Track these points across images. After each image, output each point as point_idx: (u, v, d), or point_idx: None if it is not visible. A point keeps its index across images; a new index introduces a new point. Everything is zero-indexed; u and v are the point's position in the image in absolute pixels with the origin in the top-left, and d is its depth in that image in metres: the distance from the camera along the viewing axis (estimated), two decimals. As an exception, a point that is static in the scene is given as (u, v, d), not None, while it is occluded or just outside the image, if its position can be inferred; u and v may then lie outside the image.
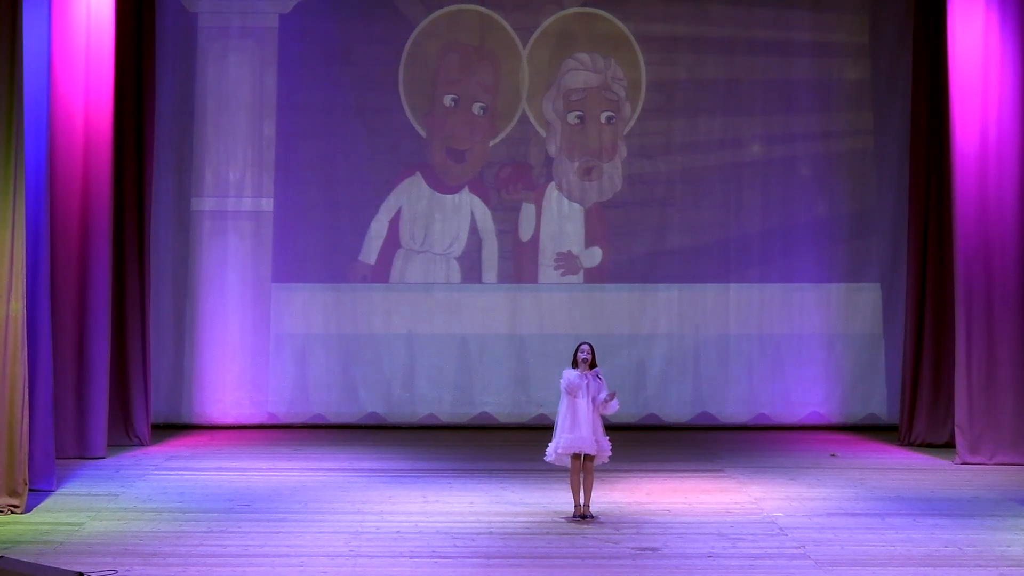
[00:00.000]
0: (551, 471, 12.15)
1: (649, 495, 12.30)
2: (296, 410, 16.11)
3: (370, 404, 16.17)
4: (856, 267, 16.24)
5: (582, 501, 11.28)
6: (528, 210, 16.30)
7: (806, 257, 16.24)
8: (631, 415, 15.56)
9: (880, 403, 16.16)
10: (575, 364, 11.24)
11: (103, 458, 13.82)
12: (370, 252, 16.24)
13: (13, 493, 11.35)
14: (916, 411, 15.08)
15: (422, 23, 16.22)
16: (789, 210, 16.27)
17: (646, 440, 15.21)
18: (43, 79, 12.18)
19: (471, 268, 16.27)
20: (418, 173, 16.26)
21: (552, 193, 16.30)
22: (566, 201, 16.30)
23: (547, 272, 16.29)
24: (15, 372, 11.41)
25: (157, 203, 15.55)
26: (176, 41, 15.93)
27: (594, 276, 16.29)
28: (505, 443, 15.08)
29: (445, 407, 16.22)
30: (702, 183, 16.29)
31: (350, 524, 11.08)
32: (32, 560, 9.58)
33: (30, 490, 11.60)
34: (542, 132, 16.24)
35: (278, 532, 10.80)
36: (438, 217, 16.27)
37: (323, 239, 16.19)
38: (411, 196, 16.26)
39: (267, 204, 16.15)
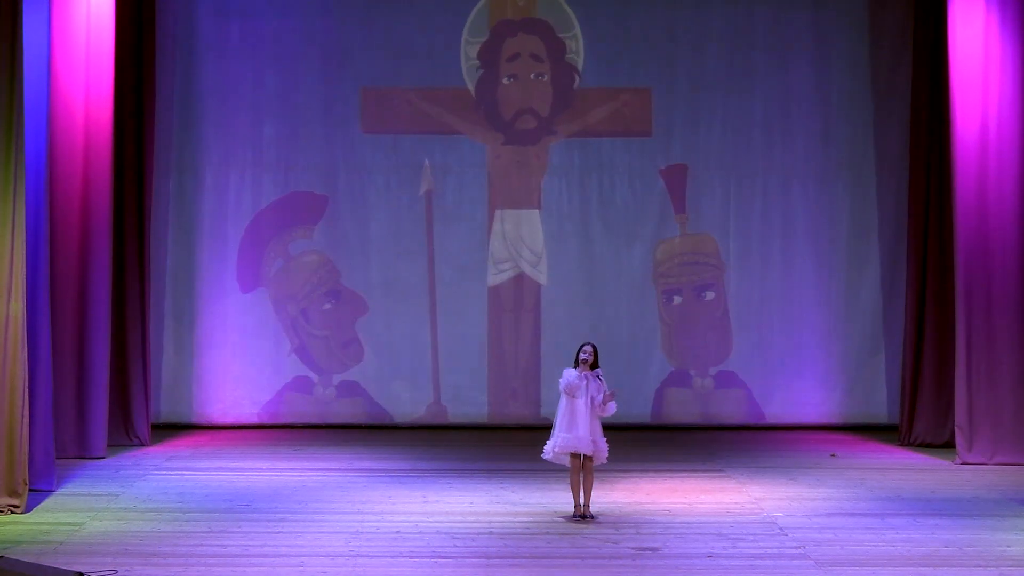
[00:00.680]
0: (551, 471, 12.15)
1: (649, 495, 12.30)
2: (296, 410, 16.11)
3: (370, 404, 16.17)
4: (856, 267, 16.24)
5: (582, 501, 11.28)
6: (531, 215, 16.28)
7: (806, 257, 16.24)
8: (631, 415, 15.55)
9: (880, 403, 16.16)
10: (577, 364, 11.24)
11: (103, 458, 13.82)
12: (370, 251, 16.25)
13: (13, 493, 11.35)
14: (916, 411, 15.09)
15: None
16: (789, 210, 16.26)
17: (646, 440, 15.21)
18: (43, 79, 12.18)
19: (472, 268, 16.26)
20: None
21: (553, 196, 16.30)
22: (566, 204, 16.29)
23: (548, 271, 16.28)
24: (15, 372, 11.41)
25: (157, 203, 15.55)
26: (176, 41, 15.93)
27: (594, 276, 16.28)
28: (505, 443, 15.08)
29: (445, 407, 16.21)
30: (701, 183, 16.28)
31: (350, 524, 11.08)
32: (32, 560, 9.59)
33: (30, 490, 11.60)
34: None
35: (278, 532, 10.81)
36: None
37: (323, 238, 16.18)
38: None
39: (267, 204, 16.14)
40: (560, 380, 11.25)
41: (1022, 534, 10.84)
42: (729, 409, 16.25)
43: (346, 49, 16.17)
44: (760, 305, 16.28)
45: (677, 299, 16.30)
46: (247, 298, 16.09)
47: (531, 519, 11.33)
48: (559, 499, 11.81)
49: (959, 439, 14.01)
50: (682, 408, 16.26)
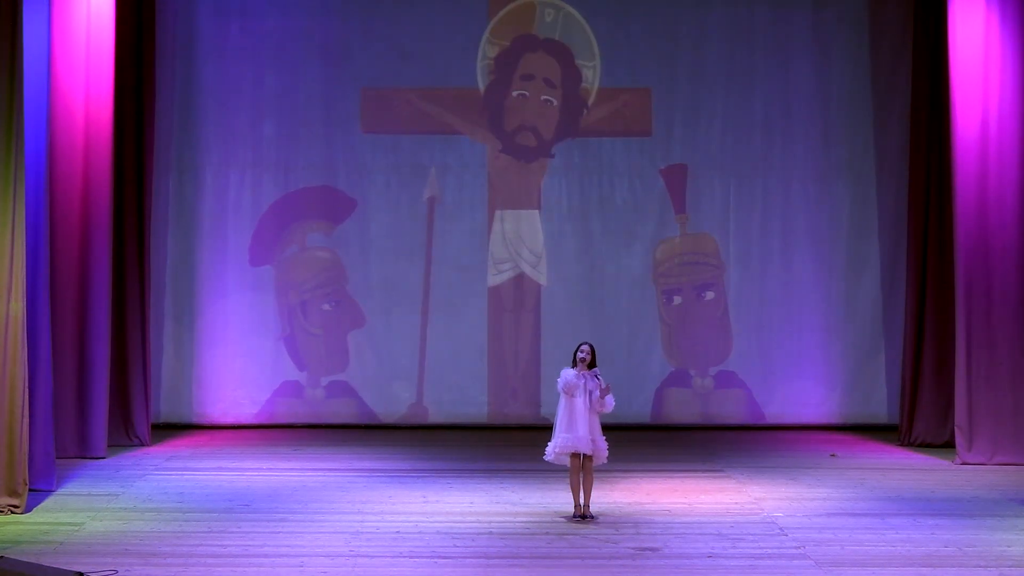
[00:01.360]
0: (551, 471, 12.15)
1: (649, 495, 12.30)
2: (296, 410, 16.12)
3: (371, 404, 16.17)
4: (856, 267, 16.24)
5: (582, 501, 11.28)
6: (531, 215, 16.29)
7: (806, 257, 16.24)
8: (631, 415, 15.55)
9: (880, 403, 16.16)
10: (574, 363, 11.24)
11: (103, 458, 13.82)
12: (370, 251, 16.26)
13: (13, 493, 11.35)
14: (916, 411, 15.09)
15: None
16: (789, 210, 16.27)
17: (646, 440, 15.21)
18: (43, 79, 12.18)
19: (472, 268, 16.26)
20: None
21: (553, 196, 16.30)
22: (566, 204, 16.29)
23: (548, 271, 16.28)
24: (15, 372, 11.41)
25: (157, 203, 15.55)
26: (176, 41, 15.93)
27: (594, 276, 16.28)
28: (505, 443, 15.08)
29: (445, 407, 16.22)
30: (701, 183, 16.28)
31: (350, 524, 11.08)
32: (32, 560, 9.59)
33: (30, 490, 11.60)
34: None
35: (278, 532, 10.80)
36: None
37: (323, 238, 16.18)
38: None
39: (267, 204, 16.14)
40: (558, 380, 11.26)
41: (1022, 534, 10.84)
42: (729, 409, 16.25)
43: (346, 49, 16.17)
44: (760, 305, 16.28)
45: (677, 299, 16.30)
46: (247, 298, 16.08)
47: (531, 519, 11.33)
48: (559, 499, 11.81)
49: (959, 439, 14.01)
50: (682, 408, 16.26)
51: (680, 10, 16.26)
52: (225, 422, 16.00)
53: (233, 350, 16.07)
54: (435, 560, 9.99)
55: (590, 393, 11.15)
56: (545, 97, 16.19)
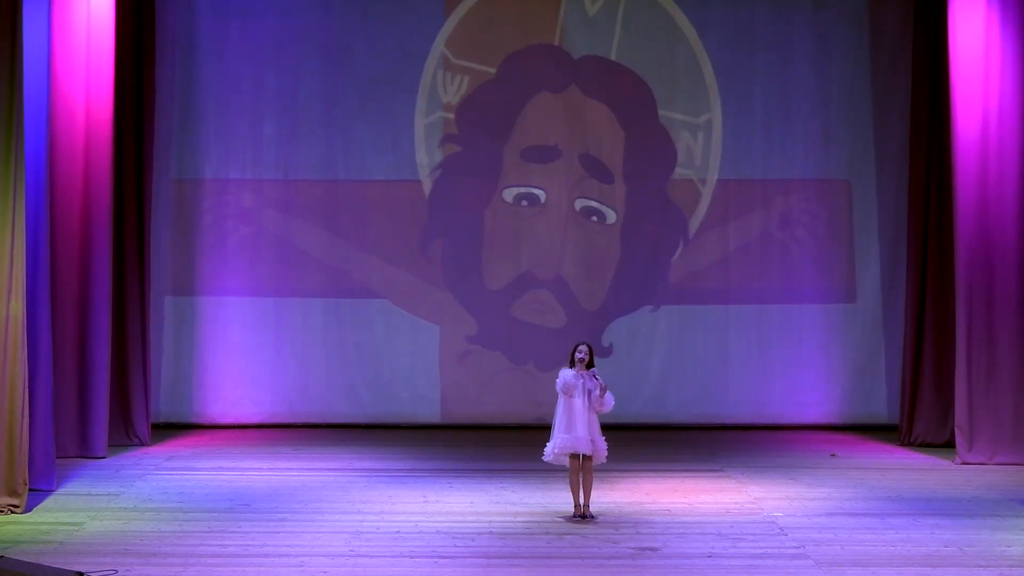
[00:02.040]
0: (551, 471, 12.16)
1: (649, 495, 12.30)
2: (296, 410, 16.11)
3: (370, 404, 16.17)
4: (856, 267, 16.23)
5: (582, 501, 11.29)
6: (533, 213, 16.29)
7: (806, 256, 16.24)
8: (631, 415, 15.55)
9: (880, 403, 16.15)
10: (572, 364, 11.24)
11: (103, 458, 13.82)
12: (370, 251, 16.26)
13: (13, 493, 11.35)
14: (916, 411, 15.09)
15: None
16: (789, 210, 16.26)
17: (646, 440, 15.21)
18: (43, 79, 12.18)
19: (472, 268, 16.26)
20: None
21: (553, 202, 16.29)
22: (565, 207, 16.29)
23: (549, 270, 16.28)
24: (15, 372, 11.41)
25: (157, 203, 15.55)
26: (176, 41, 15.93)
27: (595, 275, 16.28)
28: (505, 443, 15.07)
29: (445, 407, 16.22)
30: (701, 183, 16.28)
31: (350, 524, 11.09)
32: (32, 560, 9.59)
33: (30, 490, 11.60)
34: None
35: (278, 532, 10.81)
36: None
37: (323, 238, 16.18)
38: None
39: (267, 204, 16.14)
40: (557, 381, 11.26)
41: (1022, 534, 10.85)
42: (729, 409, 16.24)
43: (346, 49, 16.17)
44: (760, 305, 16.27)
45: (677, 298, 16.28)
46: (247, 298, 16.08)
47: (531, 519, 11.33)
48: (559, 499, 11.81)
49: (959, 439, 14.01)
50: (682, 408, 16.25)
51: (679, 10, 16.24)
52: (225, 422, 15.99)
53: (233, 350, 16.07)
54: (435, 560, 9.99)
55: (589, 393, 11.15)
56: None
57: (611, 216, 16.27)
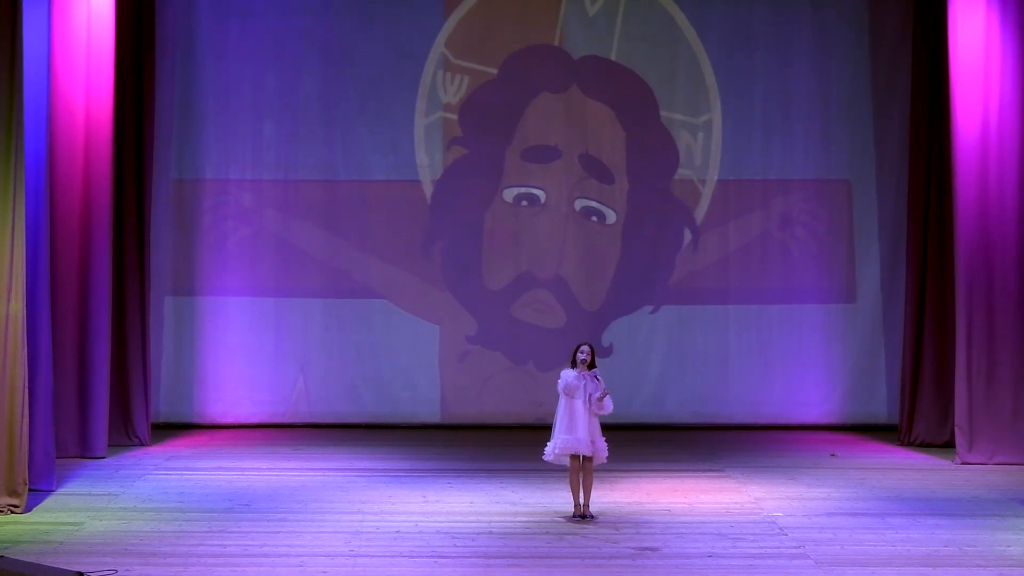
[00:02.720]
0: (551, 471, 12.15)
1: (649, 495, 12.30)
2: (296, 410, 16.11)
3: (370, 404, 16.17)
4: (856, 267, 16.24)
5: (582, 501, 11.29)
6: (533, 213, 16.29)
7: (806, 256, 16.24)
8: (631, 415, 15.55)
9: (880, 403, 16.15)
10: (574, 364, 11.24)
11: (103, 458, 13.82)
12: (370, 251, 16.26)
13: (13, 493, 11.35)
14: (916, 411, 15.09)
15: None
16: (789, 210, 16.27)
17: (646, 440, 15.21)
18: (43, 79, 12.18)
19: (472, 268, 16.26)
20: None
21: (554, 202, 16.30)
22: (565, 207, 16.29)
23: (549, 269, 16.29)
24: (15, 372, 11.41)
25: (157, 203, 15.55)
26: (176, 41, 15.93)
27: (595, 275, 16.28)
28: (505, 443, 15.07)
29: (445, 407, 16.22)
30: (701, 184, 16.28)
31: (350, 524, 11.08)
32: (32, 560, 9.58)
33: (30, 490, 11.60)
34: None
35: (278, 532, 10.81)
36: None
37: (323, 238, 16.18)
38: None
39: (267, 204, 16.14)
40: (558, 381, 11.26)
41: (1022, 534, 10.84)
42: (729, 409, 16.24)
43: (346, 49, 16.17)
44: (760, 305, 16.27)
45: (677, 298, 16.28)
46: (247, 298, 16.08)
47: (531, 519, 11.33)
48: (559, 499, 11.81)
49: (959, 439, 14.01)
50: (682, 408, 16.25)
51: (679, 10, 16.24)
52: (225, 422, 15.99)
53: (233, 350, 16.07)
54: (435, 560, 9.99)
55: (590, 395, 11.15)
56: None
57: (611, 216, 16.27)
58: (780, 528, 11.01)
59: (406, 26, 16.19)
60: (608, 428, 11.51)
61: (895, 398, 15.80)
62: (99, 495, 12.15)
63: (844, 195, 16.27)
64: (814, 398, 16.19)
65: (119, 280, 14.73)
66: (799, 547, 10.39)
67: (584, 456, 11.21)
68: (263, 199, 16.15)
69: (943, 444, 14.81)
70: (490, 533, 10.82)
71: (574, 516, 11.28)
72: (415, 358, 16.22)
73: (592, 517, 11.27)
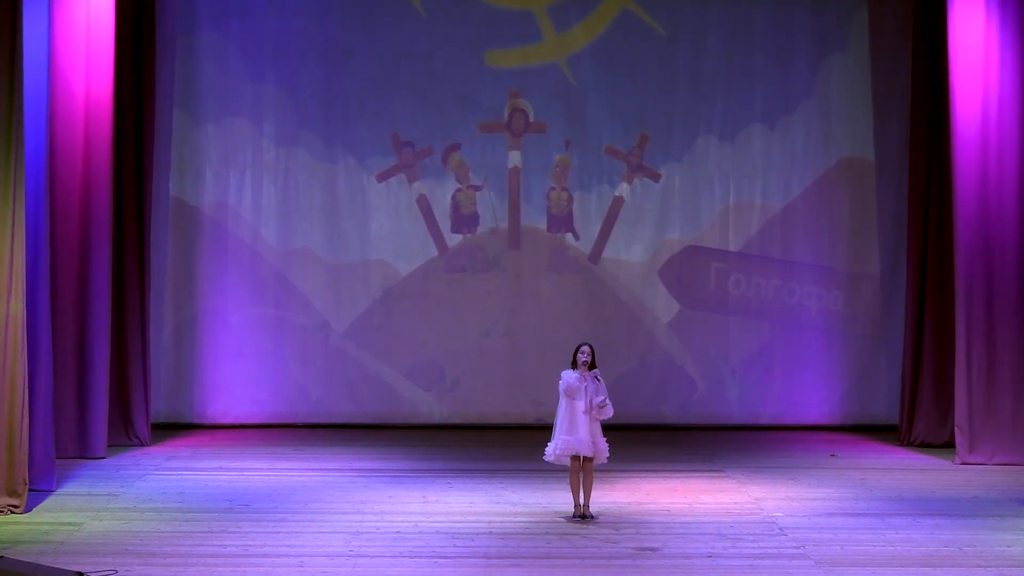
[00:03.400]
0: (551, 471, 12.15)
1: (649, 495, 12.30)
2: (296, 410, 16.11)
3: (370, 404, 16.17)
4: (856, 267, 16.24)
5: (582, 501, 11.29)
6: (534, 213, 16.30)
7: (806, 256, 16.24)
8: (631, 415, 15.54)
9: (880, 403, 16.15)
10: (574, 365, 11.24)
11: (103, 458, 13.82)
12: (370, 251, 16.26)
13: (13, 493, 11.35)
14: (916, 411, 15.09)
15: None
16: (789, 210, 16.27)
17: (646, 440, 15.21)
18: (43, 80, 12.18)
19: (472, 267, 16.27)
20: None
21: (555, 195, 16.30)
22: (567, 202, 16.30)
23: (547, 271, 16.29)
24: (15, 372, 11.41)
25: (157, 203, 15.54)
26: (176, 40, 15.92)
27: (595, 275, 16.28)
28: (505, 443, 15.07)
29: (445, 407, 16.22)
30: (701, 183, 16.28)
31: (350, 524, 11.08)
32: (32, 560, 9.59)
33: (30, 490, 11.60)
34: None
35: (278, 532, 10.80)
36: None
37: (323, 238, 16.19)
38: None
39: (267, 204, 16.15)
40: (559, 383, 11.25)
41: (1022, 534, 10.84)
42: (729, 409, 16.25)
43: (346, 49, 16.17)
44: (760, 305, 16.27)
45: (677, 299, 16.29)
46: (247, 298, 16.08)
47: (531, 519, 11.33)
48: (559, 499, 11.81)
49: (959, 439, 14.01)
50: (682, 408, 16.26)
51: (680, 9, 16.25)
52: (225, 422, 16.00)
53: (233, 350, 16.07)
54: (435, 560, 9.99)
55: (590, 399, 11.14)
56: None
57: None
58: (780, 528, 11.01)
59: (407, 25, 16.18)
60: (609, 428, 11.51)
61: (895, 398, 15.80)
62: (99, 495, 12.15)
63: (843, 196, 16.26)
64: (814, 398, 16.19)
65: (119, 280, 14.72)
66: (799, 547, 10.39)
67: (584, 456, 11.21)
68: (263, 198, 16.14)
69: (943, 444, 14.81)
70: (490, 533, 10.82)
71: (574, 516, 11.28)
72: (416, 358, 16.21)
73: (592, 517, 11.27)
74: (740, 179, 16.30)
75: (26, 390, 11.47)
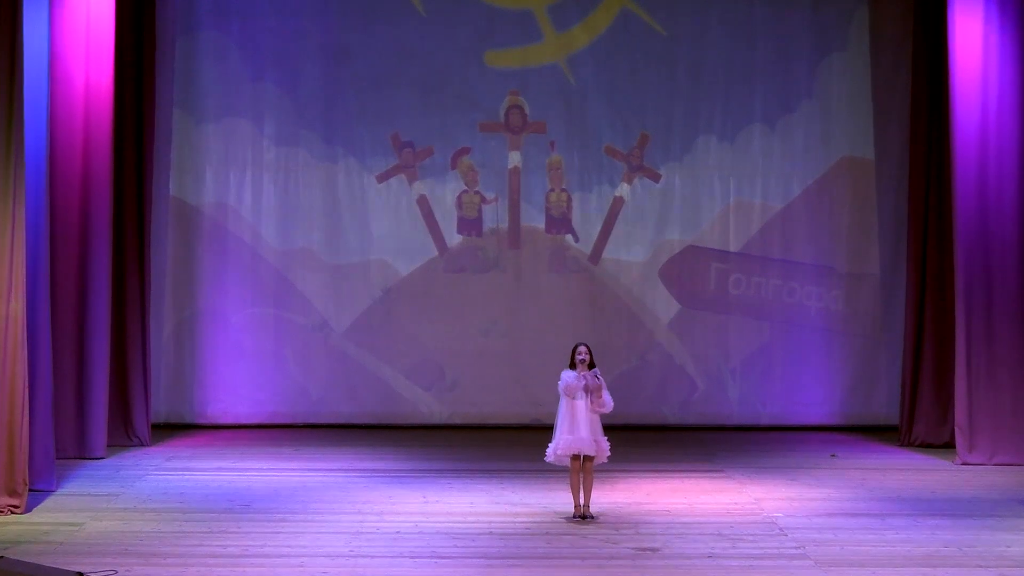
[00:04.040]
0: (551, 471, 12.16)
1: (649, 495, 12.30)
2: (296, 410, 16.11)
3: (370, 404, 16.17)
4: (856, 267, 16.24)
5: (582, 501, 11.29)
6: (533, 214, 16.30)
7: (806, 257, 16.25)
8: (631, 415, 15.54)
9: (880, 403, 16.16)
10: (572, 365, 11.24)
11: (103, 458, 13.82)
12: (370, 251, 16.26)
13: (13, 493, 11.35)
14: (916, 411, 15.09)
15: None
16: (789, 210, 16.27)
17: (646, 440, 15.21)
18: (43, 80, 12.17)
19: (472, 267, 16.27)
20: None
21: (554, 195, 16.30)
22: (567, 203, 16.30)
23: (547, 271, 16.29)
24: (15, 372, 11.40)
25: (157, 203, 15.54)
26: (176, 40, 15.92)
27: (595, 275, 16.29)
28: (505, 443, 15.07)
29: (445, 407, 16.22)
30: (701, 183, 16.28)
31: (350, 524, 11.09)
32: (32, 560, 9.58)
33: (30, 490, 11.60)
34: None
35: (278, 532, 10.80)
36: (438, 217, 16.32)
37: (323, 238, 16.19)
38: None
39: (267, 204, 16.15)
40: (559, 383, 11.25)
41: (1022, 534, 10.85)
42: (729, 409, 16.25)
43: (346, 49, 16.17)
44: (760, 305, 16.28)
45: (677, 299, 16.29)
46: (247, 298, 16.09)
47: (531, 519, 11.33)
48: (559, 499, 11.81)
49: (959, 439, 14.01)
50: (682, 408, 16.26)
51: (680, 9, 16.25)
52: (225, 422, 16.00)
53: (233, 350, 16.07)
54: (435, 560, 9.99)
55: (587, 385, 11.14)
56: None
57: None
58: (780, 528, 11.01)
59: (407, 25, 16.18)
60: (608, 428, 11.51)
61: (895, 398, 15.80)
62: (99, 495, 12.15)
63: (843, 196, 16.27)
64: (814, 398, 16.19)
65: (119, 280, 14.72)
66: (799, 547, 10.39)
67: (585, 456, 11.21)
68: (263, 198, 16.15)
69: (943, 444, 14.81)
70: (490, 533, 10.82)
71: (574, 516, 11.28)
72: (415, 358, 16.22)
73: (592, 517, 11.27)
74: (740, 179, 16.31)
75: (26, 390, 11.47)
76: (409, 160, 16.24)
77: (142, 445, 14.71)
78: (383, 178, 16.22)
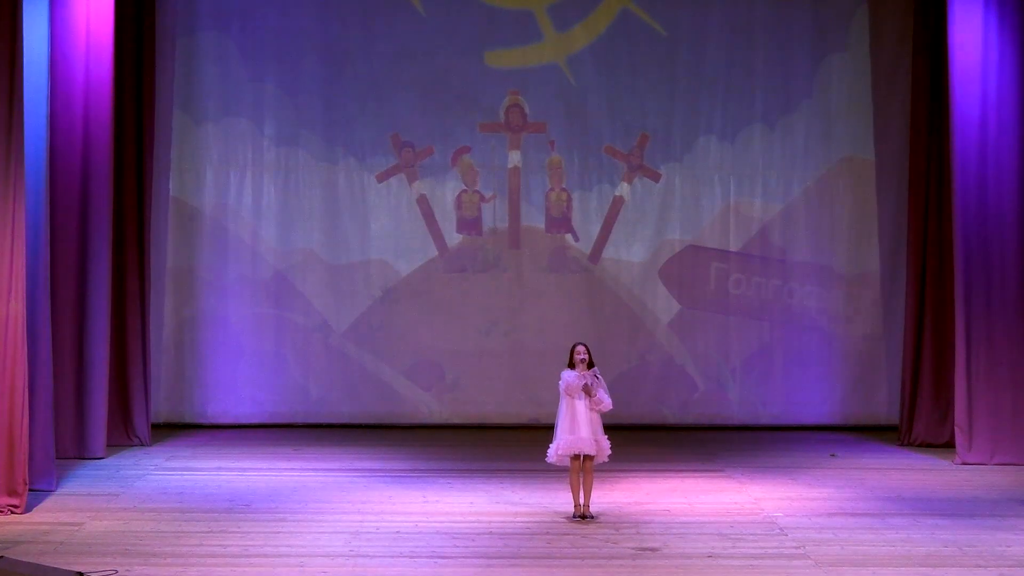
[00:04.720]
0: (551, 471, 12.16)
1: (649, 495, 12.30)
2: (296, 410, 16.11)
3: (370, 404, 16.17)
4: (856, 267, 16.24)
5: (582, 501, 11.29)
6: (534, 214, 16.30)
7: (806, 256, 16.25)
8: (631, 415, 15.55)
9: (880, 403, 16.16)
10: (572, 365, 11.24)
11: (103, 458, 13.82)
12: (370, 251, 16.26)
13: (13, 493, 11.35)
14: (916, 411, 15.09)
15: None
16: (789, 210, 16.27)
17: (646, 440, 15.21)
18: (43, 80, 12.18)
19: (473, 267, 16.27)
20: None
21: (554, 195, 16.31)
22: (567, 203, 16.30)
23: (547, 271, 16.29)
24: (15, 372, 11.40)
25: (157, 203, 15.54)
26: (176, 40, 15.92)
27: (594, 275, 16.29)
28: (505, 443, 15.07)
29: (445, 407, 16.22)
30: (701, 183, 16.28)
31: (350, 524, 11.09)
32: (32, 560, 9.58)
33: (30, 490, 11.60)
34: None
35: (278, 532, 10.81)
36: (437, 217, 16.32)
37: (323, 238, 16.19)
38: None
39: (267, 204, 16.15)
40: (559, 383, 11.25)
41: (1022, 534, 10.85)
42: (729, 409, 16.25)
43: (346, 49, 16.17)
44: (760, 305, 16.28)
45: (677, 299, 16.29)
46: (247, 298, 16.09)
47: (531, 519, 11.33)
48: (559, 499, 11.81)
49: (959, 439, 14.01)
50: (682, 408, 16.26)
51: (680, 8, 16.25)
52: (225, 422, 15.99)
53: (233, 350, 16.07)
54: (435, 560, 9.99)
55: (586, 383, 11.13)
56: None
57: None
58: (780, 528, 11.01)
59: (407, 25, 16.18)
60: (608, 428, 11.51)
61: (895, 398, 15.80)
62: (99, 495, 12.15)
63: (843, 196, 16.27)
64: (814, 398, 16.19)
65: (119, 280, 14.72)
66: (799, 547, 10.39)
67: (585, 456, 11.21)
68: (263, 198, 16.15)
69: (943, 444, 14.81)
70: (490, 533, 10.83)
71: (574, 516, 11.28)
72: (415, 358, 16.22)
73: (592, 517, 11.27)
74: (740, 179, 16.31)
75: (26, 390, 11.47)
76: (409, 160, 16.24)
77: (142, 445, 14.72)
78: (383, 178, 16.23)
